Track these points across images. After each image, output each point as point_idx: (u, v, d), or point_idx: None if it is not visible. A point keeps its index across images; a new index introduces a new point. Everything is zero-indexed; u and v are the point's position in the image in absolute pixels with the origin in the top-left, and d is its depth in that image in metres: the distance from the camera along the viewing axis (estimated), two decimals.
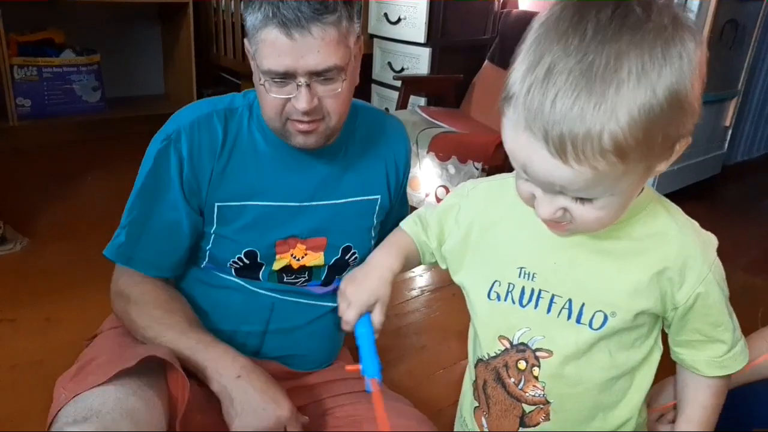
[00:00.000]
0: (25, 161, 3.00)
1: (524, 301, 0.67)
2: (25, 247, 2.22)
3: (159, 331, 0.92)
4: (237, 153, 0.96)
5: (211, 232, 0.98)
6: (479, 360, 0.73)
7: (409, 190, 2.59)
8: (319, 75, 0.85)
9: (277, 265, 1.01)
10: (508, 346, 0.69)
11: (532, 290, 0.67)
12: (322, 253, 1.03)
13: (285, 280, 1.03)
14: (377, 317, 0.77)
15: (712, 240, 0.65)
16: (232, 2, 3.72)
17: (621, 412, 0.69)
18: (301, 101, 0.85)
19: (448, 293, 2.08)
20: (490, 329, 0.71)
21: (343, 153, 1.02)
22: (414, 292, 2.15)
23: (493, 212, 0.72)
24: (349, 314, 0.76)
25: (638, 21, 0.49)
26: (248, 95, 0.98)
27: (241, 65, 3.70)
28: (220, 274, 1.02)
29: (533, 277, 0.67)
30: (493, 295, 0.70)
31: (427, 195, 2.55)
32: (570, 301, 0.64)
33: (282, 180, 0.98)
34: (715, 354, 0.67)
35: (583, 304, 0.64)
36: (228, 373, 0.88)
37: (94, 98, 3.75)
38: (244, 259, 0.99)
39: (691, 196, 3.08)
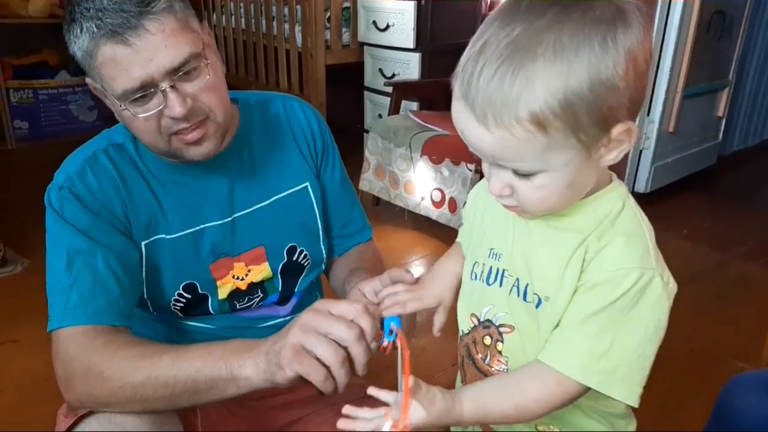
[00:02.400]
0: (24, 183, 3.02)
1: (490, 280, 0.69)
2: (26, 268, 2.23)
3: (149, 366, 0.74)
4: (137, 187, 0.87)
5: (143, 274, 0.89)
6: (459, 337, 0.76)
7: (404, 194, 2.64)
8: (178, 71, 0.76)
9: (222, 293, 0.93)
10: (477, 323, 0.72)
11: (498, 270, 0.69)
12: (265, 263, 0.95)
13: (239, 306, 0.96)
14: (439, 318, 0.78)
15: (650, 262, 0.59)
16: (223, 17, 3.76)
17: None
18: (175, 107, 0.76)
19: None
20: (465, 307, 0.74)
21: (248, 152, 0.94)
22: None
23: (484, 200, 0.75)
24: (410, 305, 0.77)
25: (569, 4, 0.52)
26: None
27: (234, 78, 3.73)
28: (181, 322, 0.95)
29: (499, 257, 0.69)
30: (473, 276, 0.73)
31: (422, 198, 2.55)
32: (518, 280, 0.66)
33: (190, 203, 0.90)
34: (550, 339, 0.63)
35: (527, 285, 0.66)
36: (254, 346, 0.73)
37: (90, 118, 3.80)
38: (185, 295, 0.91)
39: (688, 187, 3.08)
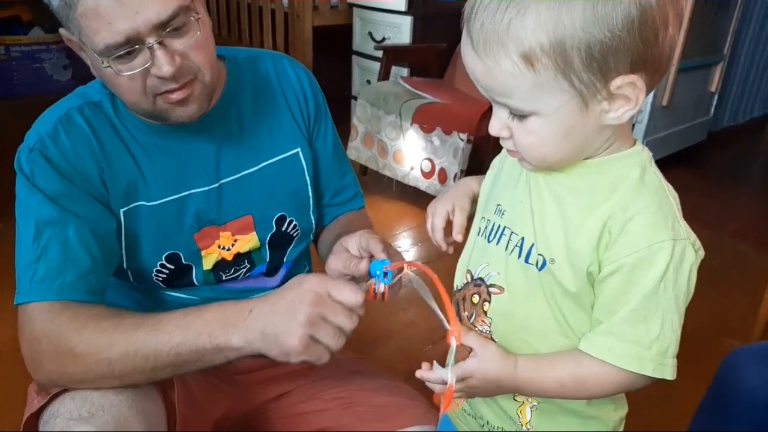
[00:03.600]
0: None
1: (491, 237, 0.69)
2: (0, 232, 2.16)
3: (125, 340, 0.71)
4: (115, 150, 0.81)
5: (122, 244, 0.84)
6: (453, 293, 0.74)
7: (393, 164, 2.58)
8: (166, 26, 0.71)
9: (207, 263, 0.89)
10: (469, 279, 0.71)
11: (499, 227, 0.68)
12: (253, 233, 0.91)
13: (225, 277, 0.92)
14: (457, 219, 0.76)
15: (680, 230, 0.58)
16: None
17: None
18: (163, 65, 0.71)
19: (436, 267, 2.06)
20: (463, 262, 0.74)
21: (236, 114, 0.89)
22: None
23: (504, 154, 0.73)
24: (435, 221, 0.77)
25: None
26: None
27: (216, 39, 3.59)
28: (162, 293, 0.91)
29: (503, 213, 0.68)
30: (478, 231, 0.72)
31: (412, 168, 2.50)
32: (523, 239, 0.65)
33: (172, 168, 0.84)
34: (595, 330, 0.61)
35: (533, 245, 0.63)
36: (239, 319, 0.70)
37: (65, 77, 3.64)
38: (168, 265, 0.87)
39: (678, 162, 3.06)
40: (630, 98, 0.54)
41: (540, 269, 0.62)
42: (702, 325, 1.83)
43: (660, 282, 0.56)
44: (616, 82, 0.53)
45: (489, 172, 0.77)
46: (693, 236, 0.59)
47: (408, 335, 1.73)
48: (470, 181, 0.80)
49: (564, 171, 0.62)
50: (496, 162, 0.76)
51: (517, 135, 0.58)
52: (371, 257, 0.76)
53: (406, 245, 2.27)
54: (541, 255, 0.62)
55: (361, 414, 0.91)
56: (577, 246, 0.60)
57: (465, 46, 0.56)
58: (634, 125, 2.83)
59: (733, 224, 2.52)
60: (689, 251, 0.58)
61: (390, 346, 1.69)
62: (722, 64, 3.24)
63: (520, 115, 0.56)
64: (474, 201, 0.78)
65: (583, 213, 0.60)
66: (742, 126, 3.81)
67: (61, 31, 0.75)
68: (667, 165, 2.97)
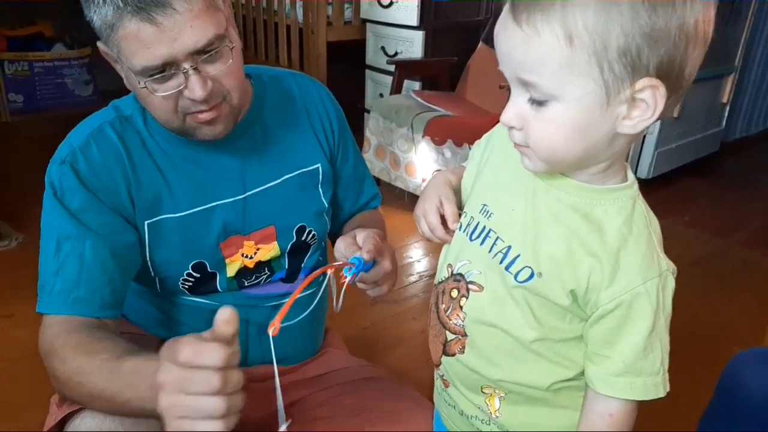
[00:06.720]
0: (18, 157, 2.98)
1: (474, 236, 0.69)
2: (21, 243, 2.21)
3: (88, 383, 0.72)
4: (143, 163, 0.85)
5: (148, 255, 0.87)
6: (435, 284, 0.76)
7: (405, 176, 2.62)
8: (202, 53, 0.75)
9: (230, 270, 0.92)
10: (450, 273, 0.72)
11: (484, 227, 0.69)
12: (274, 242, 0.95)
13: (246, 284, 0.95)
14: (447, 210, 0.75)
15: (662, 264, 0.62)
16: None
17: (534, 374, 0.68)
18: (196, 90, 0.75)
19: None
20: (445, 255, 0.75)
21: (260, 129, 0.93)
22: (412, 278, 2.14)
23: (492, 147, 0.73)
24: (430, 220, 0.75)
25: None
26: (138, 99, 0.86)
27: None
28: (182, 298, 0.94)
29: (490, 215, 0.69)
30: (460, 226, 0.73)
31: (423, 180, 2.53)
32: (509, 248, 0.65)
33: (200, 179, 0.88)
34: (608, 369, 0.63)
35: (518, 256, 0.64)
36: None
37: (86, 92, 3.73)
38: (194, 274, 0.90)
39: (690, 173, 3.07)
40: (649, 105, 0.54)
41: (525, 281, 0.63)
42: (712, 331, 1.84)
43: (656, 314, 0.61)
44: (642, 83, 0.53)
45: (470, 164, 0.77)
46: (670, 264, 0.63)
47: (418, 343, 1.75)
48: (444, 174, 0.80)
49: (563, 188, 0.62)
50: (476, 152, 0.76)
51: (531, 125, 0.57)
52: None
53: (417, 255, 2.30)
54: (528, 267, 0.63)
55: (371, 420, 0.94)
56: (567, 267, 0.62)
57: (504, 20, 0.55)
58: (645, 136, 2.84)
59: (744, 233, 2.51)
60: (670, 279, 0.62)
61: (400, 354, 1.72)
62: (734, 75, 3.24)
63: (540, 101, 0.55)
64: (455, 191, 0.78)
65: (577, 232, 0.61)
66: (754, 136, 3.79)
67: (99, 44, 0.79)
68: (679, 175, 3.01)
